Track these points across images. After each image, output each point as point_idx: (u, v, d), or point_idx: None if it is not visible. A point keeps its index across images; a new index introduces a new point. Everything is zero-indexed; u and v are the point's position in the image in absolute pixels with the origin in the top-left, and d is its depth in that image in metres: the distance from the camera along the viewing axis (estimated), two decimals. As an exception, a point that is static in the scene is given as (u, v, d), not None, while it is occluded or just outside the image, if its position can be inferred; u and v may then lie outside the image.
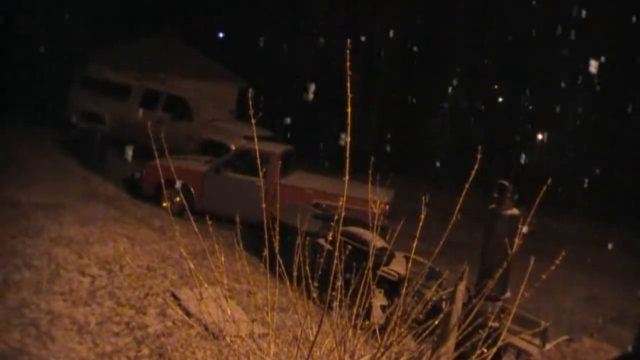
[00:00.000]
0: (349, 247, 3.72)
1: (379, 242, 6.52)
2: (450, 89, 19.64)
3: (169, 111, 14.68)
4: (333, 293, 3.19)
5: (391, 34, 19.86)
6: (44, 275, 5.98)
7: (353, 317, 3.48)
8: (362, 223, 7.15)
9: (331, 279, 3.07)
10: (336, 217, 3.11)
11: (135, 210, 9.45)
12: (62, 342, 4.90)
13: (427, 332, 3.52)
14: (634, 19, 16.61)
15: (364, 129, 16.79)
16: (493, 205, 7.18)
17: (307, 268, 3.58)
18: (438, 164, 17.88)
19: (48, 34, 16.35)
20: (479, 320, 3.41)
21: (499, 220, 6.98)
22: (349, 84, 2.88)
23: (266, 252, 3.53)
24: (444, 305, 5.98)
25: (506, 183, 7.13)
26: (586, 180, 16.96)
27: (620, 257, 12.00)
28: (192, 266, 3.47)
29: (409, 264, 4.39)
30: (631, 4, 16.47)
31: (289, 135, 15.46)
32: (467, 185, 3.23)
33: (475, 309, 3.35)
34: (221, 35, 20.09)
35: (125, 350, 5.01)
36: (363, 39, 18.06)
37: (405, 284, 3.52)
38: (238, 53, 20.18)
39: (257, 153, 3.51)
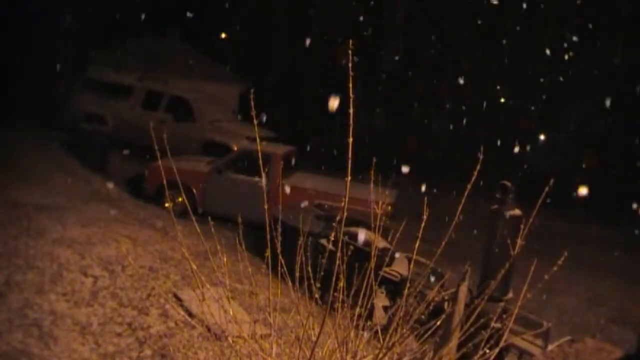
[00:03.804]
0: (351, 247, 3.72)
1: (381, 243, 6.53)
2: (452, 90, 19.62)
3: (171, 112, 14.69)
4: (335, 294, 3.19)
5: (394, 34, 19.87)
6: (47, 275, 5.98)
7: (355, 318, 3.48)
8: (364, 224, 7.15)
9: (333, 279, 3.08)
10: (338, 218, 3.11)
11: (137, 211, 9.46)
12: (65, 343, 4.90)
13: (429, 332, 3.53)
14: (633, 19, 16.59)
15: (367, 130, 16.77)
16: (495, 206, 7.17)
17: (310, 269, 3.58)
18: (440, 164, 17.87)
19: (50, 34, 16.35)
20: (481, 320, 3.41)
21: (501, 220, 6.98)
22: (350, 85, 2.88)
23: (268, 253, 3.54)
24: (446, 306, 5.98)
25: (508, 184, 7.13)
26: (588, 180, 16.92)
27: (623, 258, 11.98)
28: (195, 267, 3.48)
29: (411, 265, 4.39)
30: (631, 6, 16.46)
31: (291, 136, 15.44)
32: (469, 186, 3.23)
33: (478, 310, 3.35)
34: (224, 36, 20.09)
35: (127, 351, 5.01)
36: (366, 39, 18.06)
37: (408, 285, 3.52)
38: (240, 54, 20.18)
39: (259, 154, 3.52)
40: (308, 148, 14.02)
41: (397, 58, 19.75)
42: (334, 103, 3.34)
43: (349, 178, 2.94)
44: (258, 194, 9.52)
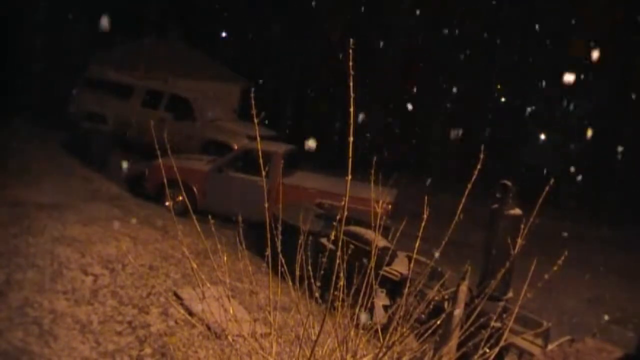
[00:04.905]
0: (352, 246, 3.72)
1: (382, 242, 6.52)
2: (453, 89, 19.64)
3: (171, 111, 14.68)
4: (335, 293, 3.18)
5: (394, 33, 19.88)
6: (47, 274, 5.99)
7: (355, 317, 3.48)
8: (364, 223, 7.15)
9: (333, 278, 3.07)
10: (339, 217, 3.11)
11: (138, 210, 9.46)
12: (65, 341, 4.90)
13: (429, 332, 3.52)
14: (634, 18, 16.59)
15: (368, 129, 16.78)
16: (495, 205, 7.17)
17: (310, 268, 3.58)
18: (440, 163, 17.89)
19: (51, 33, 16.38)
20: (481, 320, 3.41)
21: (501, 220, 6.97)
22: (351, 84, 2.88)
23: (268, 252, 3.53)
24: (446, 305, 5.98)
25: (508, 183, 7.13)
26: (588, 180, 16.95)
27: (623, 257, 11.98)
28: (195, 265, 3.47)
29: (411, 264, 4.39)
30: (630, 4, 16.45)
31: (291, 134, 15.46)
32: (469, 186, 3.23)
33: (478, 309, 3.35)
34: (224, 35, 20.10)
35: (127, 350, 5.01)
36: (366, 38, 18.06)
37: (408, 284, 3.52)
38: (241, 53, 20.20)
39: (260, 152, 3.51)
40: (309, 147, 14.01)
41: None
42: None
43: (350, 177, 2.94)
44: (258, 192, 9.55)
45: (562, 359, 6.27)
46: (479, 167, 3.31)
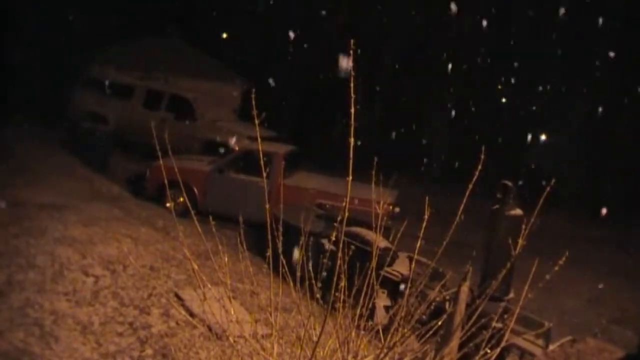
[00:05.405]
0: (352, 247, 3.72)
1: (383, 243, 6.53)
2: (453, 89, 19.61)
3: (172, 111, 14.67)
4: (336, 293, 3.18)
5: (394, 33, 19.87)
6: (48, 275, 5.98)
7: (356, 318, 3.48)
8: (365, 223, 7.15)
9: (334, 279, 3.07)
10: (339, 218, 3.11)
11: (139, 211, 9.46)
12: (66, 342, 4.90)
13: (430, 332, 3.52)
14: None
15: (368, 129, 16.76)
16: (496, 206, 7.17)
17: (311, 268, 3.58)
18: (441, 164, 17.89)
19: (51, 33, 16.35)
20: (483, 320, 3.41)
21: (502, 220, 6.98)
22: (352, 85, 2.88)
23: (269, 253, 3.54)
24: (447, 306, 5.98)
25: (509, 183, 7.13)
26: (588, 180, 16.96)
27: (623, 257, 11.97)
28: (196, 266, 3.47)
29: (413, 265, 4.39)
30: (632, 6, 16.44)
31: (293, 135, 15.44)
32: (470, 186, 3.23)
33: (479, 310, 3.35)
34: (225, 35, 20.09)
35: (128, 351, 5.01)
36: (366, 38, 18.04)
37: (409, 285, 3.52)
38: (241, 53, 20.18)
39: (261, 153, 3.51)
40: (310, 147, 14.02)
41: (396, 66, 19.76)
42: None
43: (350, 178, 2.94)
44: (259, 193, 9.55)
45: (563, 359, 6.27)
46: (479, 167, 3.31)
